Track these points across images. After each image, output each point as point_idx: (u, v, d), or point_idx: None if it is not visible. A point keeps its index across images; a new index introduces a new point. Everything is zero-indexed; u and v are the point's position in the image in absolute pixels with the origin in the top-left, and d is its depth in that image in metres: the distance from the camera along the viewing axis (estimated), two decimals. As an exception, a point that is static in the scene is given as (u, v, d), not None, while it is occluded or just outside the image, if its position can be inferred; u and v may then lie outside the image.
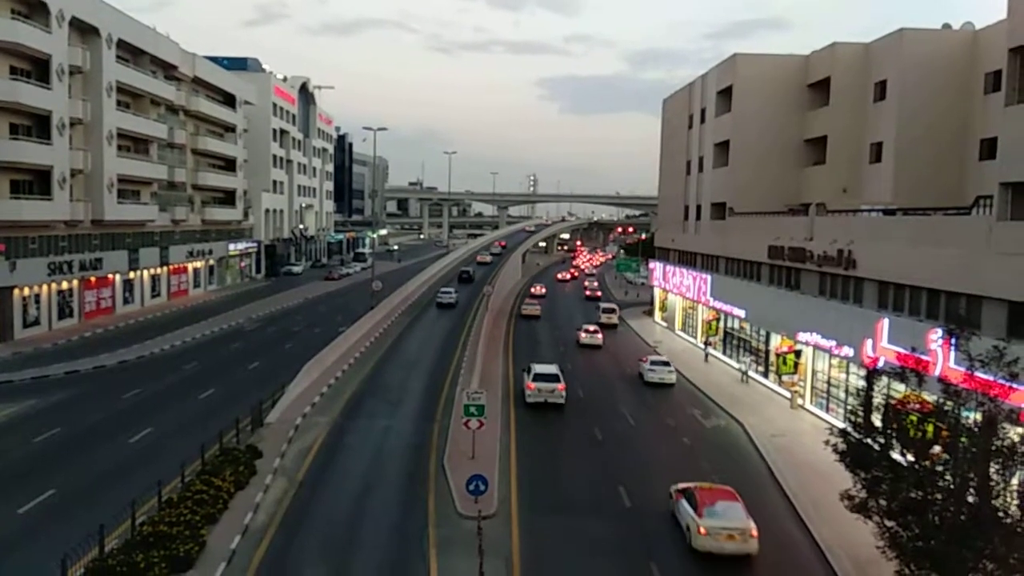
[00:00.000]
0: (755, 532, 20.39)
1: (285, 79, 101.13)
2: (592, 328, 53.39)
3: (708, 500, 21.13)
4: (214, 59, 77.16)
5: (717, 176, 52.31)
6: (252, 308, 62.91)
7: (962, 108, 37.09)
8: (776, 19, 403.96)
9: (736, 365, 45.83)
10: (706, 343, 50.51)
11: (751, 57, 49.21)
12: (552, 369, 37.02)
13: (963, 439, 16.19)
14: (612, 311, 63.10)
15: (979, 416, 16.37)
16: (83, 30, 50.91)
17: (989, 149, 33.01)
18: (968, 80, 36.99)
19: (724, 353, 49.31)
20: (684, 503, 21.80)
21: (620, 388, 40.52)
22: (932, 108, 37.52)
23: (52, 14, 46.30)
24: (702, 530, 20.32)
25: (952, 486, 15.96)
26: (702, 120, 56.03)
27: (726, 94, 50.74)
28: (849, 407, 20.22)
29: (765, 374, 42.42)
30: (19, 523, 21.00)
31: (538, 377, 35.82)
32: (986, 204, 25.89)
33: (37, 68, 46.36)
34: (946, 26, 41.40)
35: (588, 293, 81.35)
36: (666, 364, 41.94)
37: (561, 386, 35.44)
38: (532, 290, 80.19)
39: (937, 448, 16.77)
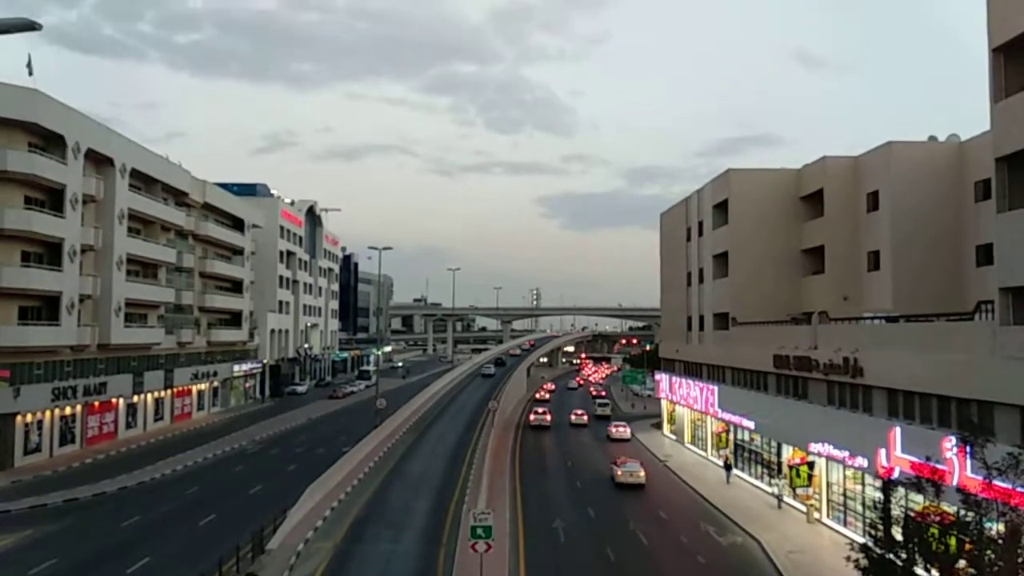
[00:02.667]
0: (643, 473, 43.40)
1: (292, 203, 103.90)
2: (579, 412, 73.38)
3: (622, 462, 44.67)
4: (224, 185, 79.58)
5: (718, 287, 52.78)
6: (255, 430, 62.21)
7: (955, 215, 37.86)
8: (766, 136, 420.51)
9: (769, 489, 41.80)
10: (727, 465, 47.32)
11: (744, 172, 50.64)
12: (545, 408, 71.78)
13: (988, 552, 15.65)
14: (605, 405, 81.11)
15: (1002, 527, 15.89)
16: (98, 160, 52.72)
17: (985, 255, 33.46)
18: (958, 189, 37.92)
19: (737, 467, 48.10)
20: (613, 465, 45.14)
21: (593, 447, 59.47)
22: (925, 216, 38.30)
23: (68, 146, 48.10)
24: (619, 473, 43.42)
25: (981, 603, 15.30)
26: (700, 233, 57.06)
27: (722, 207, 51.89)
28: (868, 520, 19.59)
29: (783, 485, 41.32)
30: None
31: (536, 413, 69.10)
32: (987, 309, 25.99)
33: (51, 197, 47.73)
34: (932, 138, 42.80)
35: (593, 393, 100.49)
36: (624, 426, 63.21)
37: (550, 416, 68.75)
38: (544, 386, 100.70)
39: (962, 562, 16.19)
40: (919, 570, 16.60)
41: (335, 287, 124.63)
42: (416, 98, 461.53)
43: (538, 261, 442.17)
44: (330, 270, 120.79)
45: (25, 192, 46.21)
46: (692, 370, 59.11)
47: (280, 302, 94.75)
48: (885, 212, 39.76)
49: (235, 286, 79.35)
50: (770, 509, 38.71)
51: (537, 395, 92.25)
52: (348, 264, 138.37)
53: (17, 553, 29.46)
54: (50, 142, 47.54)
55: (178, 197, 65.91)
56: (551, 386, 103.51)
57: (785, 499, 39.01)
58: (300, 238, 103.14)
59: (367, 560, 28.92)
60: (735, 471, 47.18)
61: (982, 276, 33.98)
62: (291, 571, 27.07)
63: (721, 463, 48.85)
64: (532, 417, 68.50)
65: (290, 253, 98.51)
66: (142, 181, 59.29)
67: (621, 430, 61.91)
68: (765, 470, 43.90)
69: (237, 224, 79.75)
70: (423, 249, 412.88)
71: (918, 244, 38.25)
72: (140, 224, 59.52)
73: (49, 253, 47.62)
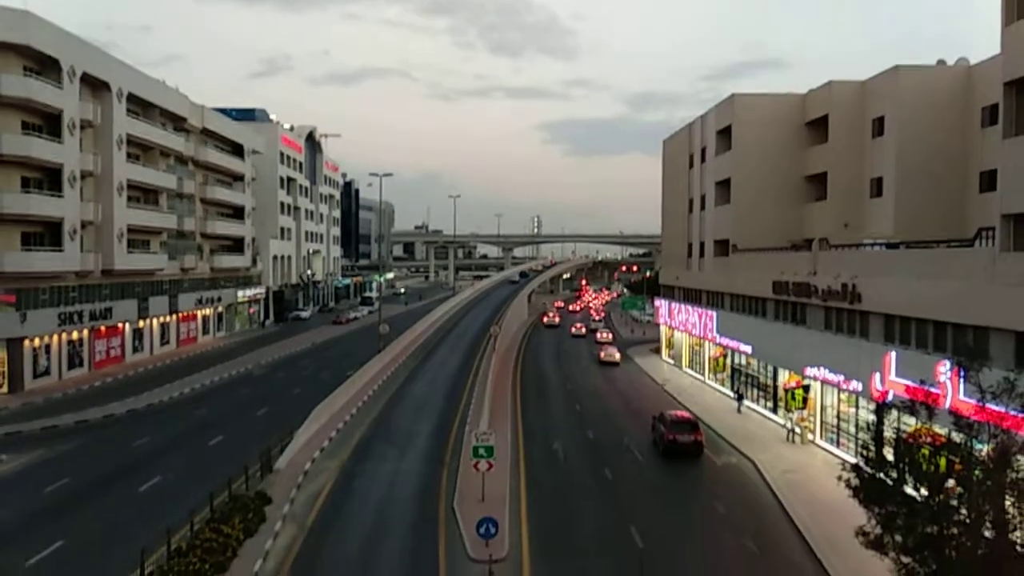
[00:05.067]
0: (617, 355, 63.76)
1: (292, 128, 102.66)
2: (579, 325, 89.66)
3: (603, 348, 66.17)
4: (222, 111, 78.54)
5: (719, 214, 52.64)
6: (261, 354, 63.07)
7: (960, 141, 37.46)
8: (772, 60, 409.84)
9: (781, 421, 40.36)
10: (739, 395, 46.07)
11: (749, 97, 49.82)
12: (555, 312, 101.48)
13: (977, 472, 16.07)
14: (599, 321, 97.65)
15: (992, 449, 16.28)
16: (94, 85, 51.96)
17: (989, 181, 33.25)
18: (965, 114, 37.41)
19: (733, 389, 48.72)
20: (600, 352, 65.38)
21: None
22: (930, 142, 37.89)
23: (64, 70, 47.31)
24: (602, 355, 64.00)
25: (968, 520, 15.79)
26: (702, 159, 56.57)
27: (725, 133, 51.29)
28: (860, 442, 20.11)
29: (774, 409, 42.17)
30: (28, 575, 20.91)
31: (548, 316, 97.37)
32: (988, 236, 26.01)
33: (49, 123, 47.22)
34: (941, 62, 41.97)
35: (593, 314, 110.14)
36: (608, 332, 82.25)
37: (558, 319, 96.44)
38: (548, 313, 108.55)
39: (951, 482, 16.62)
40: (908, 489, 17.06)
41: (336, 214, 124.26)
42: (414, 19, 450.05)
43: (540, 188, 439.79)
44: (331, 197, 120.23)
45: (22, 117, 45.70)
46: (691, 296, 59.50)
47: (282, 228, 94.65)
48: (890, 138, 39.33)
49: (236, 212, 79.18)
50: (778, 441, 37.39)
51: (543, 319, 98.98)
52: (349, 191, 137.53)
53: (31, 472, 30.35)
54: (45, 66, 46.75)
55: (176, 122, 65.15)
56: (559, 303, 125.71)
57: (797, 431, 37.43)
58: (300, 164, 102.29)
59: (373, 478, 29.78)
60: (753, 404, 45.63)
61: (985, 202, 33.85)
62: (299, 489, 27.91)
63: (718, 385, 49.65)
64: (545, 320, 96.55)
65: (291, 179, 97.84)
66: (139, 106, 58.54)
67: (605, 335, 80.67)
68: (761, 393, 44.66)
69: (237, 150, 79.05)
70: (424, 175, 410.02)
71: (922, 170, 37.97)
72: (139, 150, 59.02)
73: (49, 179, 47.39)
